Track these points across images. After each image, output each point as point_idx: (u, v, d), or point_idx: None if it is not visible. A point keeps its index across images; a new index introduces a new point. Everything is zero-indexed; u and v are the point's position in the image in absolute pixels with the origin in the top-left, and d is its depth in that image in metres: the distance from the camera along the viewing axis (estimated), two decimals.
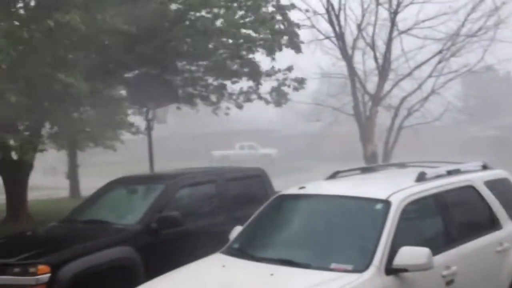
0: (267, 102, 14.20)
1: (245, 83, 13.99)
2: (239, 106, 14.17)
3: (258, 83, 13.68)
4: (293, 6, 12.73)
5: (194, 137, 49.17)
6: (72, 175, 19.76)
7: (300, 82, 13.85)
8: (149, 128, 11.19)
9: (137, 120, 14.45)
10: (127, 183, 7.88)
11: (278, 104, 14.19)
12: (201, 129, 50.21)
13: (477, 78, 30.47)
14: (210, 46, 11.80)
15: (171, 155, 37.46)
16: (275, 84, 13.92)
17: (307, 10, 15.28)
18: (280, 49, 12.48)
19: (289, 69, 13.53)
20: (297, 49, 12.79)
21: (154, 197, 6.87)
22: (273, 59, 12.70)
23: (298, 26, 12.95)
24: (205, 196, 7.51)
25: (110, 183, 7.83)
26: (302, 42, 13.11)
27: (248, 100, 14.29)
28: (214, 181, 7.50)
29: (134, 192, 7.65)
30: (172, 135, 45.98)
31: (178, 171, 8.26)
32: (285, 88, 13.89)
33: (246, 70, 13.05)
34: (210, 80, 13.77)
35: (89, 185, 15.46)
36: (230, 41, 12.01)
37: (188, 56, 12.11)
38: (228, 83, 13.78)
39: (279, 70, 13.49)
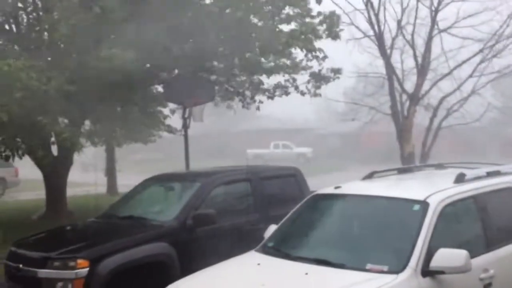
0: (303, 94, 14.09)
1: (281, 78, 13.97)
2: (271, 97, 14.11)
3: (294, 78, 13.64)
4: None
5: (229, 135, 49.44)
6: (110, 172, 20.14)
7: (336, 72, 13.72)
8: (185, 126, 11.30)
9: (174, 119, 14.62)
10: (164, 180, 8.00)
11: (314, 94, 14.08)
12: (236, 127, 50.46)
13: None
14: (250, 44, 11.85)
15: (207, 153, 37.79)
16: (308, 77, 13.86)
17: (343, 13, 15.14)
18: (319, 37, 12.30)
19: (324, 58, 13.41)
20: (336, 36, 12.59)
21: (190, 194, 6.94)
22: (313, 55, 12.61)
23: (338, 16, 12.80)
24: (240, 194, 7.53)
25: (147, 180, 7.95)
26: (342, 30, 12.94)
27: (285, 93, 14.24)
28: (249, 179, 7.51)
29: (170, 189, 7.76)
30: (208, 133, 46.37)
31: (213, 169, 8.32)
32: (321, 76, 13.74)
33: (283, 63, 13.00)
34: (245, 77, 13.79)
35: (126, 182, 15.75)
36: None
37: (223, 54, 12.17)
38: (264, 78, 13.78)
39: (316, 57, 13.33)
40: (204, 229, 6.52)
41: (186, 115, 11.42)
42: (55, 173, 12.82)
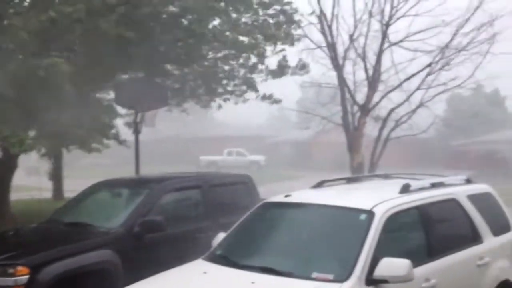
0: (263, 98, 14.11)
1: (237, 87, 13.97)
2: (236, 101, 14.09)
3: (251, 78, 13.66)
4: (290, 13, 12.72)
5: (182, 141, 49.08)
6: (56, 176, 19.57)
7: (302, 67, 13.83)
8: (136, 131, 11.12)
9: (123, 128, 14.26)
10: (112, 185, 7.83)
11: (274, 101, 14.14)
12: (190, 133, 50.15)
13: (464, 93, 30.86)
14: (203, 51, 11.79)
15: (159, 159, 37.39)
16: (269, 91, 13.93)
17: (297, 22, 15.32)
18: (275, 43, 12.39)
19: (284, 59, 13.42)
20: (292, 43, 12.73)
21: (138, 200, 6.82)
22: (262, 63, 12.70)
23: (297, 23, 12.93)
24: (190, 201, 7.48)
25: (95, 185, 7.77)
26: (298, 39, 13.09)
27: (242, 95, 14.22)
28: (200, 186, 7.47)
29: (118, 195, 7.60)
30: (160, 139, 45.88)
31: (164, 175, 8.22)
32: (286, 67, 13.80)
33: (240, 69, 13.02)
34: (200, 83, 13.72)
35: (73, 187, 15.33)
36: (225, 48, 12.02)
37: (179, 60, 12.07)
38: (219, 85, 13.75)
39: (267, 68, 13.42)
40: (152, 236, 6.42)
41: (138, 120, 11.24)
42: None
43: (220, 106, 14.51)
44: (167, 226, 6.51)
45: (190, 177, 7.90)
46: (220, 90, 13.84)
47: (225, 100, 14.13)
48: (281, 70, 13.69)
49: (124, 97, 11.06)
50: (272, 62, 13.49)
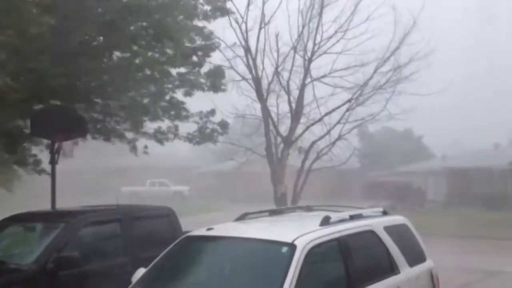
0: (189, 141, 14.06)
1: (163, 123, 13.83)
2: (160, 142, 13.90)
3: (176, 124, 13.57)
4: (212, 47, 12.85)
5: (103, 171, 47.56)
6: None
7: (223, 126, 13.93)
8: (53, 162, 10.62)
9: (41, 156, 13.67)
10: (25, 220, 7.41)
11: (198, 143, 14.13)
12: (112, 163, 48.74)
13: (375, 128, 32.39)
14: (129, 83, 11.59)
15: (78, 190, 35.93)
16: (194, 125, 13.86)
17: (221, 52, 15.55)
18: (203, 90, 12.52)
19: (212, 112, 13.57)
20: (219, 89, 12.88)
21: (53, 235, 6.49)
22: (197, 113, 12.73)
23: (223, 71, 13.13)
24: (109, 235, 7.21)
25: (6, 219, 7.31)
26: (224, 85, 13.26)
27: (166, 139, 14.08)
28: (119, 220, 7.23)
29: (32, 230, 7.20)
30: (79, 170, 44.20)
31: (81, 208, 7.89)
32: (208, 131, 13.89)
33: (168, 111, 12.90)
34: (124, 116, 13.44)
35: None
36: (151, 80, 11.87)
37: (103, 92, 11.78)
38: (145, 120, 13.55)
39: (201, 113, 13.50)
40: (68, 273, 6.11)
41: (55, 150, 10.77)
42: None
43: (146, 149, 14.28)
44: (83, 262, 6.22)
45: (109, 210, 7.63)
46: (145, 126, 13.64)
47: (159, 141, 13.93)
48: (204, 136, 13.84)
49: (40, 126, 10.57)
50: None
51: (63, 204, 10.77)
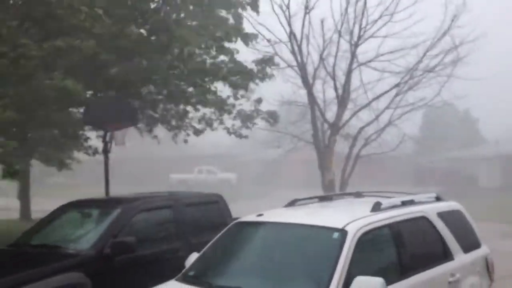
0: (230, 133, 14.22)
1: (207, 110, 13.98)
2: (197, 133, 14.11)
3: (221, 113, 13.70)
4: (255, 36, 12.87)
5: (152, 160, 48.57)
6: (23, 196, 19.12)
7: (272, 116, 13.96)
8: (106, 150, 10.94)
9: (95, 142, 14.15)
10: (82, 206, 7.67)
11: (240, 136, 14.26)
12: (160, 152, 49.69)
13: (435, 112, 31.51)
14: (174, 72, 11.77)
15: (129, 178, 36.90)
16: (238, 114, 13.96)
17: (268, 40, 15.54)
18: (252, 79, 12.59)
19: (259, 101, 13.61)
20: (268, 77, 12.93)
21: (109, 221, 6.70)
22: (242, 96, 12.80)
23: (273, 60, 13.14)
24: (162, 221, 7.38)
25: (64, 206, 7.60)
26: (274, 69, 13.28)
27: (210, 127, 14.26)
28: (172, 206, 7.39)
29: (88, 216, 7.44)
30: (130, 158, 45.30)
31: (134, 195, 8.10)
32: (257, 121, 14.01)
33: (209, 98, 13.04)
34: (171, 105, 13.69)
35: (41, 206, 14.98)
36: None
37: (152, 82, 12.03)
38: (190, 109, 13.74)
39: (243, 97, 13.55)
40: (123, 257, 6.30)
41: (107, 139, 11.08)
42: None
43: (186, 140, 14.52)
44: (138, 247, 6.41)
45: (161, 197, 7.81)
46: (190, 115, 13.84)
47: (196, 132, 14.11)
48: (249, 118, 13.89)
49: (92, 116, 10.90)
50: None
51: (115, 191, 11.11)
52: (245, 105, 13.89)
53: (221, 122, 14.20)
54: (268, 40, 15.71)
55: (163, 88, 12.30)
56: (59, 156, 11.70)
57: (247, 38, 12.48)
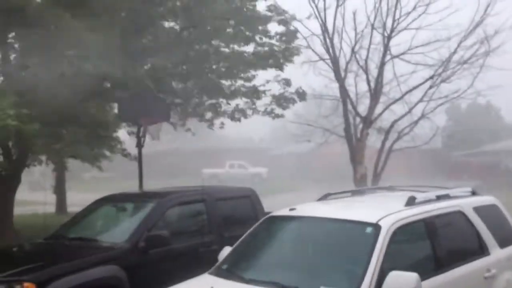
0: (266, 114, 14.23)
1: (240, 101, 14.10)
2: (235, 119, 14.18)
3: (253, 101, 13.78)
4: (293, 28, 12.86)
5: (184, 154, 49.06)
6: (59, 190, 19.58)
7: (301, 95, 13.93)
8: (139, 145, 11.12)
9: (127, 140, 14.36)
10: (117, 200, 7.82)
11: (276, 116, 14.28)
12: (192, 146, 50.17)
13: (459, 107, 30.85)
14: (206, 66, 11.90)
15: (161, 172, 37.33)
16: (270, 99, 14.03)
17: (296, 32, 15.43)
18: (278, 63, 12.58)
19: (288, 83, 13.57)
20: (291, 54, 12.92)
21: (143, 215, 6.81)
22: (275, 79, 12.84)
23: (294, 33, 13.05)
24: (195, 215, 7.46)
25: (99, 200, 7.76)
26: (299, 50, 13.24)
27: (244, 115, 14.35)
28: (204, 200, 7.46)
29: (123, 209, 7.59)
30: (162, 152, 45.89)
31: (167, 189, 8.21)
32: (284, 98, 14.01)
33: (242, 89, 13.12)
34: (205, 98, 13.82)
35: (76, 200, 15.33)
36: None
37: (183, 75, 12.17)
38: (223, 101, 13.87)
39: (279, 82, 13.55)
40: (158, 251, 6.40)
41: (141, 134, 11.26)
42: (1, 192, 12.34)
43: (222, 125, 14.63)
44: (171, 240, 6.50)
45: (194, 191, 7.89)
46: (223, 106, 13.95)
47: (232, 118, 14.21)
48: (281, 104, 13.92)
49: (127, 111, 11.08)
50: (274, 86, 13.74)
51: (148, 184, 11.27)
52: (275, 89, 13.90)
53: (255, 111, 14.25)
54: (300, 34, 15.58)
55: (196, 81, 12.42)
56: (93, 154, 11.93)
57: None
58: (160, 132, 12.92)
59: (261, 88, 13.57)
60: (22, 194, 16.54)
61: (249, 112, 14.16)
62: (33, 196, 20.50)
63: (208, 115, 14.22)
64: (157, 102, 10.94)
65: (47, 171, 19.78)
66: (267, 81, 13.46)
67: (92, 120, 11.38)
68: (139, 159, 11.17)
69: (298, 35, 15.19)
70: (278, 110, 14.26)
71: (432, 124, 18.05)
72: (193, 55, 10.93)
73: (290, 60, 13.04)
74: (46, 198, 15.40)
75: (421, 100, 16.90)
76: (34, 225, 13.06)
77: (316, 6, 16.14)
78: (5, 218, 12.53)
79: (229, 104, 13.97)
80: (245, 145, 52.26)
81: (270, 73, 13.71)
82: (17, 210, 13.71)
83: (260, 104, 14.18)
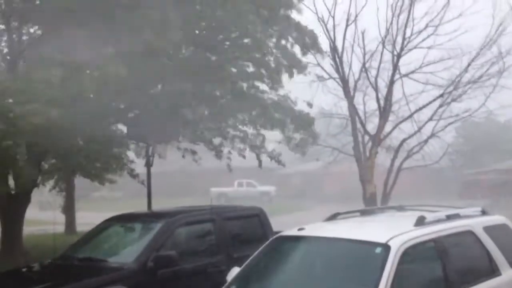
0: (270, 158, 14.35)
1: (249, 129, 14.13)
2: (242, 155, 14.26)
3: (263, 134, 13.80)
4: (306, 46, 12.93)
5: (191, 173, 49.03)
6: (68, 210, 19.62)
7: (313, 136, 13.99)
8: (148, 165, 11.18)
9: (135, 161, 14.38)
10: (125, 220, 7.83)
11: (280, 162, 14.39)
12: (199, 165, 50.14)
13: (474, 124, 30.64)
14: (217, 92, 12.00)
15: (169, 191, 37.34)
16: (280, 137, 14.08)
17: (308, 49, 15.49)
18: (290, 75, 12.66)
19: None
20: (301, 70, 12.98)
21: (151, 235, 6.81)
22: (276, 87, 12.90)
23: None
24: (203, 235, 7.44)
25: (108, 220, 7.77)
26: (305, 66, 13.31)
27: (252, 149, 14.40)
28: (213, 220, 7.44)
29: (131, 229, 7.59)
30: (170, 171, 45.87)
31: (176, 209, 8.21)
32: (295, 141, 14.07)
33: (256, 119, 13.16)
34: (212, 124, 13.85)
35: (85, 220, 15.34)
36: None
37: (193, 99, 12.23)
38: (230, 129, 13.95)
39: (288, 99, 13.58)
40: (166, 271, 6.38)
41: (150, 153, 11.31)
42: (11, 212, 12.38)
43: (229, 157, 14.70)
44: (180, 260, 6.47)
45: (203, 211, 7.88)
46: (231, 132, 13.97)
47: (239, 152, 14.26)
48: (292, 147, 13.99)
49: (136, 130, 11.16)
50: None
51: (156, 203, 11.29)
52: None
53: (263, 145, 14.31)
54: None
55: (207, 107, 12.49)
56: (103, 174, 11.99)
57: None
58: (167, 151, 12.94)
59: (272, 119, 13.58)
60: (32, 213, 16.61)
61: (256, 144, 14.22)
62: (43, 216, 20.58)
63: (217, 140, 14.25)
64: (166, 122, 11.02)
65: (57, 191, 19.85)
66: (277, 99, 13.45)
67: (105, 137, 11.44)
68: (148, 179, 11.21)
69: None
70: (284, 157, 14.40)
71: (442, 142, 17.98)
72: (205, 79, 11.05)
73: (300, 71, 13.10)
74: (55, 218, 15.47)
75: (430, 119, 16.86)
76: (43, 245, 13.08)
77: (326, 25, 16.25)
78: (14, 238, 12.54)
79: (240, 127, 14.00)
80: (254, 163, 52.11)
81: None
82: (27, 230, 13.75)
83: (270, 135, 14.25)
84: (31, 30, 11.95)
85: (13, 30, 11.36)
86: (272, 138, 14.58)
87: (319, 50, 13.35)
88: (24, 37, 11.81)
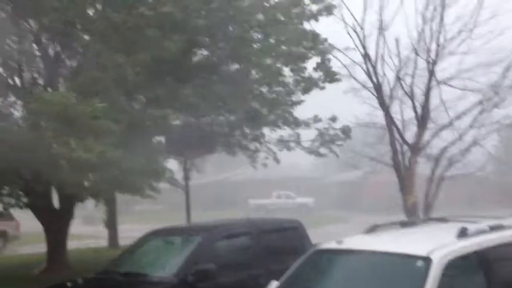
0: (309, 152, 14.24)
1: (284, 132, 14.14)
2: (277, 160, 14.25)
3: (298, 133, 13.80)
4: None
5: (229, 184, 49.28)
6: (111, 224, 19.98)
7: (345, 132, 13.87)
8: (186, 178, 11.33)
9: (174, 170, 14.59)
10: (165, 234, 7.94)
11: (319, 154, 14.24)
12: (238, 177, 50.39)
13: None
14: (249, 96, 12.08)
15: (207, 203, 37.60)
16: (315, 132, 14.03)
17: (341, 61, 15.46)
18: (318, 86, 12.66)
19: (333, 119, 13.57)
20: (332, 79, 13.00)
21: (190, 249, 6.89)
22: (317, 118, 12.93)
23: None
24: (242, 248, 7.47)
25: (148, 234, 7.89)
26: (338, 74, 13.30)
27: (288, 148, 14.36)
28: (251, 233, 7.46)
29: (171, 243, 7.69)
30: (208, 183, 46.26)
31: (214, 222, 8.27)
32: (328, 138, 14.00)
33: (281, 120, 13.18)
34: (247, 129, 13.93)
35: (127, 233, 15.59)
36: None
37: (225, 105, 12.35)
38: (267, 131, 13.98)
39: (320, 120, 13.58)
40: (205, 285, 6.42)
41: (188, 167, 11.46)
42: (55, 226, 12.72)
43: (265, 164, 14.73)
44: (219, 274, 6.51)
45: (241, 224, 7.91)
46: (267, 137, 14.03)
47: (275, 159, 14.29)
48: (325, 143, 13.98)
49: (174, 145, 11.33)
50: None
51: (196, 216, 11.40)
52: (319, 124, 13.89)
53: (298, 143, 14.26)
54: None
55: (240, 111, 12.58)
56: (145, 187, 12.21)
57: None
58: (205, 164, 13.09)
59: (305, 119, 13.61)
60: (76, 228, 17.01)
61: (292, 145, 14.18)
62: (87, 230, 21.04)
63: (252, 146, 14.30)
64: (202, 135, 11.15)
65: (100, 205, 20.27)
66: (315, 116, 13.54)
67: (147, 149, 11.64)
68: (187, 191, 11.35)
69: (339, 64, 15.25)
70: (322, 150, 14.25)
71: (484, 150, 17.52)
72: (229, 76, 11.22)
73: (333, 80, 13.10)
74: (98, 232, 15.82)
75: (471, 126, 16.45)
76: (86, 259, 13.38)
77: (358, 35, 16.15)
78: (59, 253, 12.88)
79: (274, 130, 14.02)
80: (292, 174, 51.93)
81: (317, 108, 13.84)
82: (71, 244, 14.08)
83: (305, 138, 14.20)
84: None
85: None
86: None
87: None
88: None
